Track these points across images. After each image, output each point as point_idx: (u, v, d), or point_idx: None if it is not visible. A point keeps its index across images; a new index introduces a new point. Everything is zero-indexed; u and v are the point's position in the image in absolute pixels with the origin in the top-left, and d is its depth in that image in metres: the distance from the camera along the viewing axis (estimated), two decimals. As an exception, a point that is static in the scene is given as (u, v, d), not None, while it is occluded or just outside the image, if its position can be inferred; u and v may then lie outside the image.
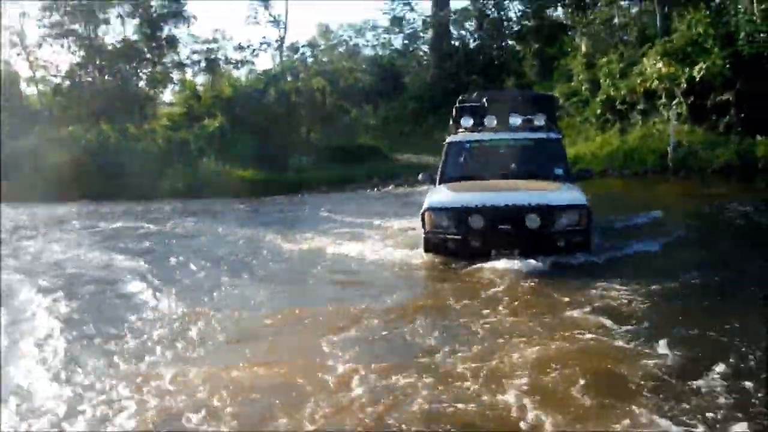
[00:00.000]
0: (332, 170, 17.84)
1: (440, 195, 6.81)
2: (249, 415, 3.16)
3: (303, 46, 33.22)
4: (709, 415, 2.85)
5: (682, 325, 4.20)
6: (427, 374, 3.45)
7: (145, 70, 34.10)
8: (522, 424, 2.85)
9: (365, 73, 31.19)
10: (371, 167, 18.11)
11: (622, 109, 16.48)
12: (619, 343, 3.86)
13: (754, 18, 14.31)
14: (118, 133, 19.58)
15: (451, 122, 8.35)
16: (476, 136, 7.70)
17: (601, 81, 17.21)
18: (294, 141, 20.37)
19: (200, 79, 35.42)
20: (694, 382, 3.20)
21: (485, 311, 4.65)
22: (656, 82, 15.10)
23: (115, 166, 17.72)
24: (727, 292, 5.13)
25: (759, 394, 3.05)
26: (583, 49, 19.56)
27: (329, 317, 4.79)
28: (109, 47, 32.92)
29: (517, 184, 6.77)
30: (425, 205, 6.55)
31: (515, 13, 26.85)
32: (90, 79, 33.39)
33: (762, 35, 13.53)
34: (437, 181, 7.39)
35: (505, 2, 26.12)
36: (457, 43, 28.90)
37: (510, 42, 26.82)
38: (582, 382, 3.23)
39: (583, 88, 18.17)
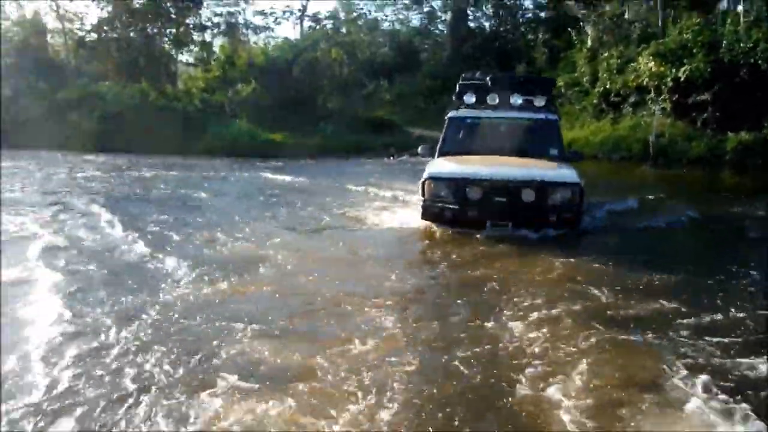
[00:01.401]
0: (352, 138, 20.59)
1: (440, 166, 7.30)
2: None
3: (326, 18, 35.70)
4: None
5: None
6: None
7: (169, 30, 36.31)
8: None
9: (383, 48, 33.65)
10: (388, 138, 20.92)
11: (616, 100, 19.17)
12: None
13: (738, 29, 16.88)
14: (157, 91, 22.19)
15: (454, 98, 8.79)
16: (476, 112, 8.19)
17: (600, 74, 19.82)
18: (317, 109, 23.05)
19: (218, 41, 37.80)
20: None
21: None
22: (647, 79, 17.68)
23: (155, 122, 20.40)
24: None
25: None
26: (589, 43, 22.06)
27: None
28: (137, 5, 35.13)
29: (515, 160, 7.31)
30: (425, 175, 6.96)
31: (531, 3, 29.61)
32: (115, 35, 35.62)
33: (741, 45, 16.05)
34: (436, 153, 7.91)
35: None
36: (473, 25, 31.47)
37: (523, 30, 29.32)
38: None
39: (585, 79, 20.79)
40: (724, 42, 16.53)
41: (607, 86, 19.32)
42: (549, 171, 6.96)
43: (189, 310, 4.22)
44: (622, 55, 19.77)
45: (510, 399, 2.91)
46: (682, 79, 16.74)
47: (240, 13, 37.98)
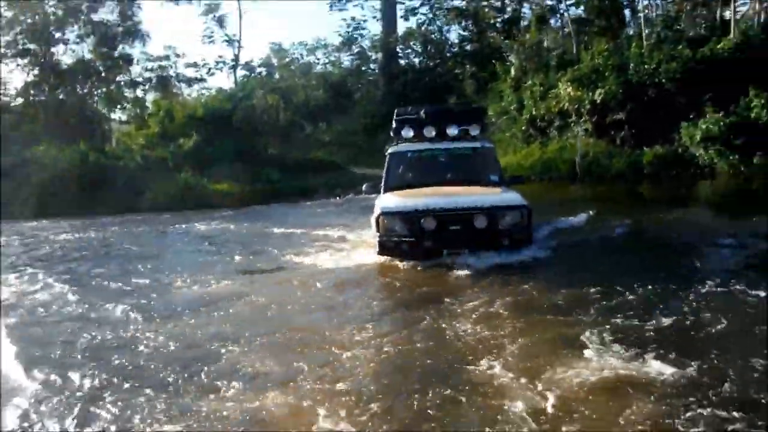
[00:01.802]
0: (299, 182, 21.49)
1: (391, 201, 7.54)
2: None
3: (259, 66, 36.83)
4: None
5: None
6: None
7: (100, 90, 36.49)
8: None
9: (317, 90, 34.88)
10: (332, 179, 21.93)
11: (542, 125, 20.82)
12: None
13: (643, 52, 18.80)
14: (96, 151, 22.51)
15: (391, 134, 9.21)
16: (416, 146, 8.65)
17: (525, 102, 21.49)
18: (260, 156, 23.86)
19: (150, 96, 38.24)
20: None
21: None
22: (567, 104, 19.38)
23: (98, 183, 20.71)
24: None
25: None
26: (512, 72, 23.83)
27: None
28: (64, 66, 35.20)
29: (461, 189, 7.72)
30: (377, 211, 7.24)
31: (457, 37, 31.65)
32: (43, 97, 35.51)
33: (646, 67, 17.90)
34: (382, 189, 8.26)
35: (445, 27, 30.94)
36: (403, 63, 33.20)
37: (450, 64, 31.16)
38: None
39: (512, 107, 22.43)
40: (631, 64, 18.37)
41: (533, 113, 20.96)
42: (497, 196, 7.42)
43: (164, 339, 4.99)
44: (543, 83, 21.49)
45: (457, 366, 3.82)
46: (598, 101, 18.47)
47: (171, 67, 38.61)
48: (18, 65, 34.56)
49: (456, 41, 31.85)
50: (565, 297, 5.33)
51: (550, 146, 20.16)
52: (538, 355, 3.97)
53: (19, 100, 35.59)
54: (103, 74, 35.74)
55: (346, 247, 9.13)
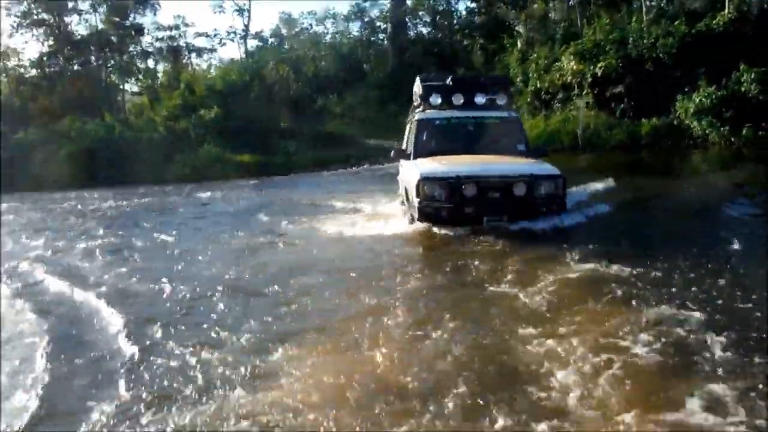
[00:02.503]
0: (314, 153, 23.06)
1: (430, 166, 7.56)
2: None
3: (270, 36, 38.05)
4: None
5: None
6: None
7: (113, 60, 37.70)
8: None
9: (327, 61, 36.08)
10: (346, 150, 23.50)
11: (546, 98, 22.21)
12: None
13: (642, 27, 20.05)
14: (121, 123, 24.05)
15: (417, 100, 9.31)
16: (444, 113, 8.76)
17: (530, 74, 22.84)
18: (276, 128, 25.38)
19: (161, 67, 39.50)
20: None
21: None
22: (570, 77, 20.73)
23: (124, 155, 22.24)
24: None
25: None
26: (519, 45, 25.09)
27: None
28: (78, 36, 36.34)
29: (498, 158, 7.91)
30: (417, 176, 7.22)
31: (465, 9, 32.84)
32: (57, 69, 36.74)
33: (644, 42, 19.19)
34: (412, 155, 8.36)
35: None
36: (412, 34, 34.39)
37: (459, 36, 32.37)
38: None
39: (518, 79, 23.76)
40: (631, 38, 19.63)
41: (537, 85, 22.33)
42: (534, 166, 7.61)
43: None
44: (548, 55, 22.78)
45: (484, 294, 5.34)
46: (599, 74, 19.80)
47: (181, 36, 39.79)
48: (33, 35, 35.74)
49: (464, 13, 33.07)
50: (564, 234, 6.96)
51: (553, 118, 21.55)
52: (534, 267, 5.64)
53: (34, 72, 36.93)
54: (115, 44, 36.90)
55: (368, 210, 10.34)
